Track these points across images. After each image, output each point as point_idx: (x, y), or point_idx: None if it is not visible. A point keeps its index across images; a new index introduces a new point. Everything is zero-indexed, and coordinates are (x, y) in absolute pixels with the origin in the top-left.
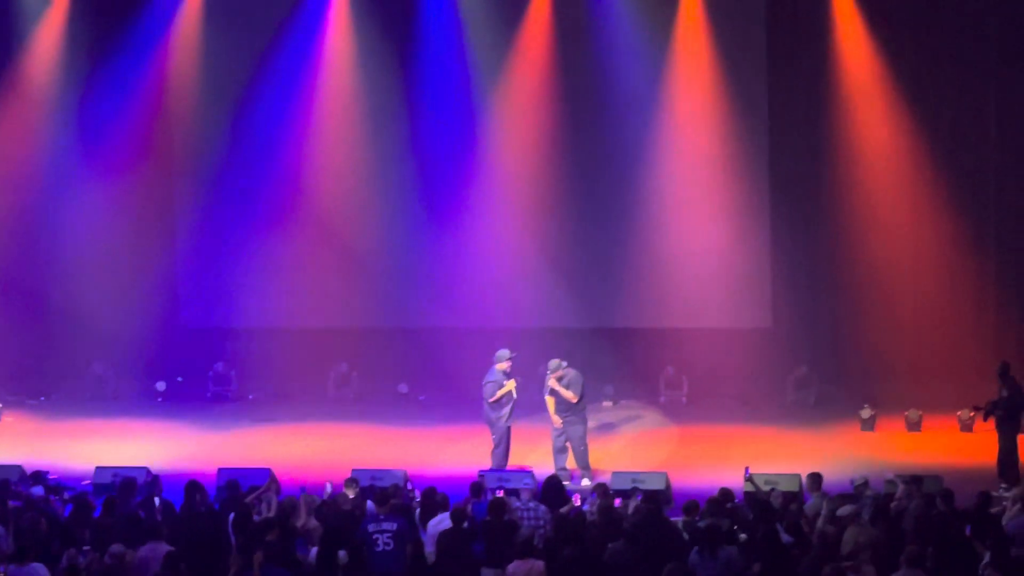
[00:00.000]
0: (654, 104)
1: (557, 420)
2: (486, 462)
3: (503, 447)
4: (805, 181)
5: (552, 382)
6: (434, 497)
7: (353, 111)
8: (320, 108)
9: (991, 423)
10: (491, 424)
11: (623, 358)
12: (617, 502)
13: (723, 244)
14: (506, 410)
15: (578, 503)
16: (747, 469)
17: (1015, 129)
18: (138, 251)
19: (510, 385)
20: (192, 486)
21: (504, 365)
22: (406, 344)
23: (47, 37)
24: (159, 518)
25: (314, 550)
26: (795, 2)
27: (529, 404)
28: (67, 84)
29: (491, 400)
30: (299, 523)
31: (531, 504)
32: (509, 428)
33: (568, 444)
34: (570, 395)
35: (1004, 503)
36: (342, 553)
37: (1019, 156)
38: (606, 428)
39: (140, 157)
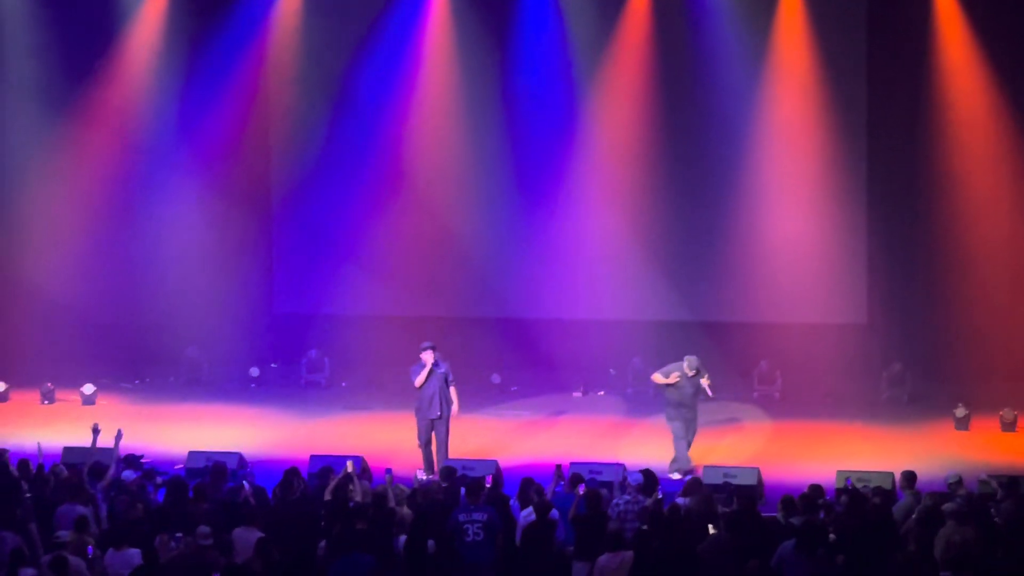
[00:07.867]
0: (753, 98)
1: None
2: (572, 451)
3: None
4: (903, 177)
5: (705, 382)
6: (529, 489)
7: (451, 100)
8: (418, 97)
9: None
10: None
11: (717, 351)
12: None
13: (819, 239)
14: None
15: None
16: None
17: None
18: (234, 237)
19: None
20: (291, 472)
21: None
22: (500, 334)
23: (146, 27)
24: (252, 503)
25: (403, 538)
26: (897, 1)
27: (621, 396)
28: (165, 74)
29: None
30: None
31: (625, 497)
32: (432, 422)
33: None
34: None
35: None
36: (431, 542)
37: None
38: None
39: (237, 145)
